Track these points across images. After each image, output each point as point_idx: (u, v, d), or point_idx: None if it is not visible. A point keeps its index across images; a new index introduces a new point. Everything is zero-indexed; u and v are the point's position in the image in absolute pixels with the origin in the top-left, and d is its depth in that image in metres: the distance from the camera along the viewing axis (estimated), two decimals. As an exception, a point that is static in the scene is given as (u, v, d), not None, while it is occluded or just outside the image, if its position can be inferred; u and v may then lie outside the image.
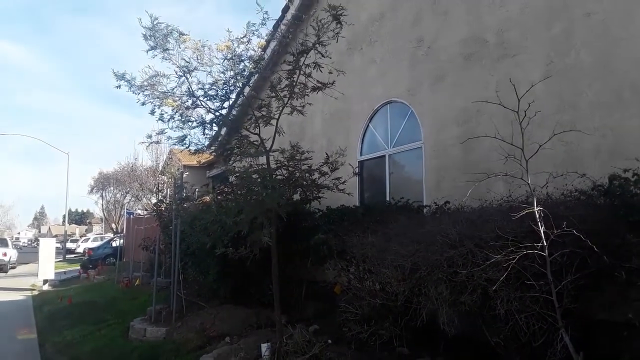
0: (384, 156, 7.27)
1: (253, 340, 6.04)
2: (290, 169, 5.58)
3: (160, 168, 24.79)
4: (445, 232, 3.83)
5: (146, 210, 22.93)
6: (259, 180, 5.06)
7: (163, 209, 10.92)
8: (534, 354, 3.45)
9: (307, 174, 5.57)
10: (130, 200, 33.65)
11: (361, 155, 7.82)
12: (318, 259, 7.77)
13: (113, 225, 41.85)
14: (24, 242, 78.29)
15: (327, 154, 5.69)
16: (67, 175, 30.45)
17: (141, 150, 50.69)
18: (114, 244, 22.73)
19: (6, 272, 24.10)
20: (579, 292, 3.29)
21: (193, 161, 23.55)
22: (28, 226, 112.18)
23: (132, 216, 18.97)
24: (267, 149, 5.18)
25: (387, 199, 6.76)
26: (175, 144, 5.45)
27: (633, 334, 3.22)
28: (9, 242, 28.22)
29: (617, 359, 3.08)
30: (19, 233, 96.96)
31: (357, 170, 6.53)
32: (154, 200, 24.70)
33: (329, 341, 5.15)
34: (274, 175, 5.31)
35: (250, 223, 5.06)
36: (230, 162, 5.40)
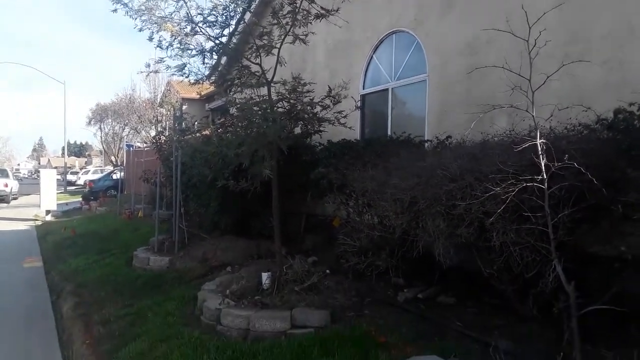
0: (387, 89, 7.13)
1: (254, 269, 6.22)
2: (291, 101, 5.49)
3: (158, 100, 24.46)
4: (445, 166, 3.82)
5: (145, 143, 22.91)
6: (260, 112, 4.99)
7: (163, 141, 10.88)
8: (526, 284, 3.56)
9: (308, 107, 5.49)
10: (129, 132, 33.52)
11: (364, 88, 7.67)
12: (317, 193, 7.85)
13: (112, 158, 41.98)
14: (24, 174, 78.92)
15: (329, 86, 5.57)
16: (64, 106, 29.99)
17: (139, 81, 49.86)
18: (114, 177, 22.90)
19: (8, 202, 24.40)
20: (575, 225, 3.33)
21: (192, 93, 23.20)
22: (27, 158, 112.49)
23: (131, 149, 18.95)
24: (269, 80, 5.06)
25: (389, 133, 6.70)
26: (174, 74, 5.36)
27: (624, 267, 3.30)
28: (10, 173, 28.34)
29: (607, 290, 3.18)
30: (18, 164, 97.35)
31: (359, 104, 6.42)
32: (153, 133, 24.66)
33: (327, 271, 5.32)
34: (275, 108, 5.23)
35: (251, 156, 5.05)
36: (231, 93, 5.30)
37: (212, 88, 21.54)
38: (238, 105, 5.16)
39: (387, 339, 4.03)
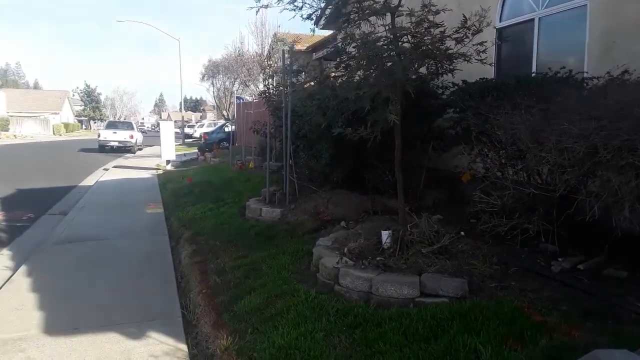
0: (532, 20, 5.96)
1: (370, 226, 5.71)
2: (417, 35, 4.70)
3: (265, 53, 24.50)
4: (640, 105, 2.87)
5: (254, 96, 23.24)
6: (384, 46, 4.29)
7: (272, 91, 10.63)
8: None
9: (437, 43, 4.66)
10: (238, 87, 34.43)
11: (500, 21, 6.54)
12: (440, 144, 7.05)
13: (224, 112, 43.84)
14: (147, 127, 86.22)
15: (464, 15, 4.66)
16: (179, 61, 31.49)
17: (247, 34, 50.80)
18: (226, 129, 23.70)
19: (134, 152, 26.52)
20: None
21: (298, 45, 22.91)
22: (150, 112, 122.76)
23: (241, 101, 19.25)
24: (395, 4, 4.29)
25: (533, 71, 5.63)
26: (286, 7, 4.75)
27: None
28: (135, 126, 30.77)
29: None
30: (142, 118, 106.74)
31: (496, 39, 5.41)
32: (261, 86, 24.93)
33: (462, 233, 4.60)
34: (400, 43, 4.50)
35: (372, 99, 4.41)
36: (350, 24, 4.62)
37: (317, 39, 20.90)
38: (359, 40, 4.48)
39: (544, 317, 3.30)
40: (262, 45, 25.74)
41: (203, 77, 45.40)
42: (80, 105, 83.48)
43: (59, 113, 65.04)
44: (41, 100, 66.13)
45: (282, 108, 8.28)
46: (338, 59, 5.19)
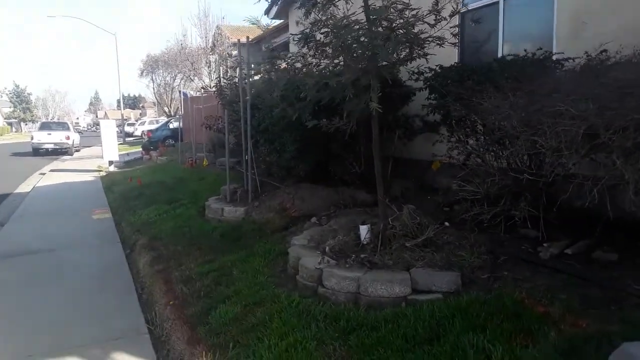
0: (496, 3, 5.88)
1: (344, 221, 5.46)
2: (390, 17, 4.46)
3: (210, 45, 23.66)
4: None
5: (199, 91, 22.38)
6: (360, 31, 4.01)
7: (224, 84, 10.14)
8: None
9: (410, 27, 4.44)
10: (180, 82, 33.14)
11: (464, 4, 6.44)
12: (406, 133, 6.91)
13: (165, 109, 42.19)
14: (83, 127, 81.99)
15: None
16: (117, 57, 29.89)
17: (189, 26, 49.08)
18: (171, 126, 22.72)
19: (71, 154, 24.94)
20: None
21: (242, 37, 22.26)
22: (85, 112, 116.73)
23: (187, 97, 18.43)
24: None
25: (500, 55, 5.56)
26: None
27: None
28: (70, 126, 28.98)
29: None
30: (77, 118, 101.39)
31: (459, 25, 5.28)
32: (207, 81, 24.07)
33: (446, 223, 4.43)
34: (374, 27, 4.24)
35: (351, 87, 4.14)
36: (318, 9, 4.30)
37: (259, 33, 20.34)
38: (331, 25, 4.18)
39: (546, 308, 3.17)
40: (206, 37, 24.83)
41: (142, 72, 43.40)
42: (10, 107, 78.00)
43: (-15, 116, 60.39)
44: (-38, 102, 61.10)
45: (238, 102, 7.86)
46: (305, 47, 4.87)
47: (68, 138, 25.72)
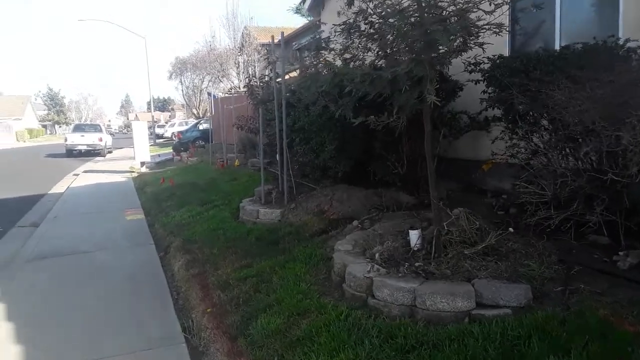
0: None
1: (389, 225, 5.12)
2: (440, 5, 4.11)
3: (238, 46, 23.61)
4: None
5: (228, 92, 22.34)
6: (412, 18, 3.68)
7: (254, 84, 9.90)
8: None
9: (464, 13, 4.08)
10: (208, 83, 33.30)
11: (516, -6, 6.01)
12: (451, 131, 6.52)
13: (194, 110, 42.57)
14: (115, 129, 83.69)
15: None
16: (146, 60, 30.20)
17: (218, 27, 49.51)
18: (200, 127, 22.75)
19: (104, 156, 25.29)
20: None
21: (268, 38, 22.14)
22: (116, 114, 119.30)
23: (216, 98, 18.35)
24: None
25: (557, 44, 5.12)
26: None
27: None
28: (103, 128, 29.45)
29: None
30: (109, 120, 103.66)
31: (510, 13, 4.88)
32: (236, 81, 24.02)
33: (510, 229, 4.04)
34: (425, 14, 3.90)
35: (399, 80, 3.80)
36: (353, 7, 4.00)
37: (291, 30, 20.19)
38: (380, 11, 3.85)
39: (635, 327, 2.77)
40: (234, 38, 24.78)
41: (171, 75, 43.99)
42: (44, 110, 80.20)
43: (21, 119, 62.13)
44: (1, 106, 63.01)
45: (271, 100, 7.60)
46: (349, 38, 4.56)
47: (101, 140, 26.10)
